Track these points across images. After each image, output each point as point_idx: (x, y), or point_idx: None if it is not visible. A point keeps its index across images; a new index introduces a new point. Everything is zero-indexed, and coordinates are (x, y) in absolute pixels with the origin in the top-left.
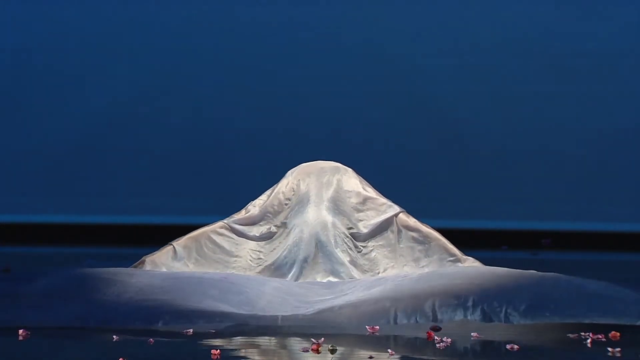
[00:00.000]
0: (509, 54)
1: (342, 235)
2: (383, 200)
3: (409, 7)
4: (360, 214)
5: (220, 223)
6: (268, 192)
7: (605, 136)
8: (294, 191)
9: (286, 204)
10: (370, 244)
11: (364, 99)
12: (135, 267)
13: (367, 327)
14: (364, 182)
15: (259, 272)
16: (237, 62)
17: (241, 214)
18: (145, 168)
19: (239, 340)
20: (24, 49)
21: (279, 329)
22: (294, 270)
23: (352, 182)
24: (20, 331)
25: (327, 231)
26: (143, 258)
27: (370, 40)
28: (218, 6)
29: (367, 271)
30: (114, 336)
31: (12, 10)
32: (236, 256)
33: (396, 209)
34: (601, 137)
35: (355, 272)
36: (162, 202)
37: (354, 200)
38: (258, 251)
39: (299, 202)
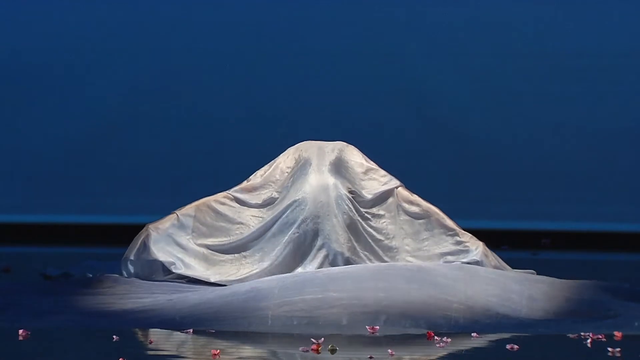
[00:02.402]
0: (509, 55)
1: (344, 197)
2: (384, 172)
3: (409, 8)
4: (363, 182)
5: (223, 193)
6: (270, 163)
7: (606, 136)
8: (295, 160)
9: (287, 173)
10: (373, 210)
11: (363, 99)
12: (139, 235)
13: (367, 327)
14: (366, 157)
15: (259, 228)
16: (238, 62)
17: (242, 185)
18: (146, 168)
19: (239, 340)
20: (23, 49)
21: (279, 329)
22: (292, 229)
23: (354, 154)
24: (20, 331)
25: (328, 191)
26: (147, 225)
27: (370, 40)
28: (218, 6)
29: (366, 235)
30: (114, 336)
31: (11, 10)
32: (238, 223)
33: (396, 182)
34: (601, 138)
35: (350, 238)
36: (162, 203)
37: (356, 168)
38: (260, 217)
39: (301, 168)
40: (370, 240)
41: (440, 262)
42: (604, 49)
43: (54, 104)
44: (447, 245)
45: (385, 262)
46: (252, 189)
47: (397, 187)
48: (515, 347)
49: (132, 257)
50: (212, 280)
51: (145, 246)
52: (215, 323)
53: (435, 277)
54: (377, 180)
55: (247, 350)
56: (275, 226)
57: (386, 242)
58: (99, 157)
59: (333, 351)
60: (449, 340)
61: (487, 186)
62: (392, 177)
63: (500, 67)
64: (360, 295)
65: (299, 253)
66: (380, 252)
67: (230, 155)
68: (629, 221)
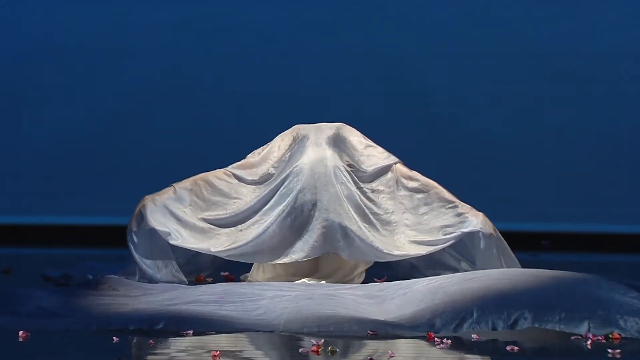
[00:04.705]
0: (510, 56)
1: (342, 168)
2: (382, 149)
3: (410, 8)
4: (362, 157)
5: (221, 170)
6: (268, 143)
7: (605, 137)
8: (293, 138)
9: (285, 150)
10: (372, 185)
11: (363, 100)
12: (137, 206)
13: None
14: (364, 135)
15: (257, 202)
16: (237, 63)
17: (240, 162)
18: (147, 170)
19: (239, 341)
20: (23, 50)
21: (279, 330)
22: (288, 199)
23: (353, 132)
24: (20, 332)
25: (325, 161)
26: (144, 197)
27: (370, 40)
28: (217, 7)
29: (365, 208)
30: (114, 338)
31: (11, 10)
32: (235, 198)
33: (395, 158)
34: (602, 139)
35: (349, 208)
36: None
37: (355, 144)
38: (257, 193)
39: (299, 143)
40: (369, 214)
41: (440, 234)
42: (605, 50)
43: (54, 104)
44: (447, 217)
45: (384, 235)
46: (249, 166)
47: (395, 163)
48: (516, 348)
49: (134, 228)
50: (212, 251)
51: (142, 216)
52: (216, 327)
53: (443, 284)
54: (375, 157)
55: (247, 352)
56: (273, 199)
57: (385, 216)
58: (99, 158)
59: (333, 352)
60: (449, 341)
61: (486, 187)
62: (391, 154)
63: (501, 68)
64: (359, 317)
65: (295, 224)
66: (379, 226)
67: (230, 156)
68: (629, 222)
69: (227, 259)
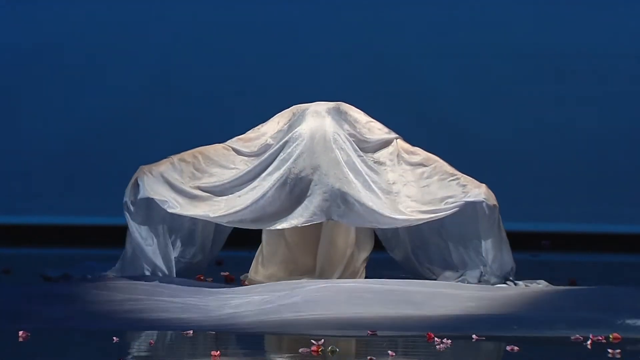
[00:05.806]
0: (510, 56)
1: (342, 135)
2: (382, 125)
3: (410, 8)
4: (364, 129)
5: (220, 144)
6: (267, 121)
7: (606, 137)
8: (292, 114)
9: (285, 124)
10: (374, 156)
11: (362, 99)
12: (133, 177)
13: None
14: (364, 113)
15: (255, 167)
16: (236, 63)
17: (239, 137)
18: None
19: (238, 341)
20: (22, 49)
21: (278, 330)
22: (287, 165)
23: (353, 109)
24: (20, 332)
25: (324, 127)
26: (141, 167)
27: (370, 40)
28: (216, 7)
29: (365, 175)
30: (114, 337)
31: (10, 10)
32: (233, 168)
33: (396, 134)
34: (601, 139)
35: (348, 173)
36: None
37: (357, 117)
38: (256, 162)
39: (299, 115)
40: (370, 181)
41: (442, 205)
42: (605, 50)
43: (54, 104)
44: (449, 189)
45: (384, 202)
46: (248, 140)
47: (396, 138)
48: (516, 348)
49: (131, 199)
50: (211, 216)
51: (138, 186)
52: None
53: (412, 295)
54: (377, 129)
55: (247, 352)
56: (273, 165)
57: (385, 185)
58: (98, 158)
59: (333, 353)
60: (449, 341)
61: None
62: (391, 130)
63: (501, 68)
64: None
65: (295, 190)
66: (380, 193)
67: None
68: (629, 222)
69: (226, 225)
